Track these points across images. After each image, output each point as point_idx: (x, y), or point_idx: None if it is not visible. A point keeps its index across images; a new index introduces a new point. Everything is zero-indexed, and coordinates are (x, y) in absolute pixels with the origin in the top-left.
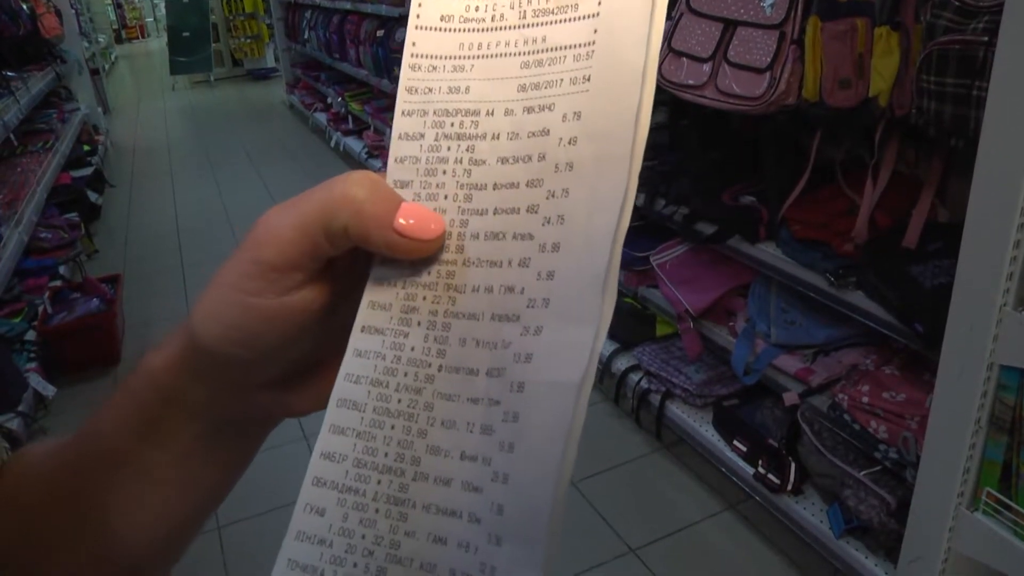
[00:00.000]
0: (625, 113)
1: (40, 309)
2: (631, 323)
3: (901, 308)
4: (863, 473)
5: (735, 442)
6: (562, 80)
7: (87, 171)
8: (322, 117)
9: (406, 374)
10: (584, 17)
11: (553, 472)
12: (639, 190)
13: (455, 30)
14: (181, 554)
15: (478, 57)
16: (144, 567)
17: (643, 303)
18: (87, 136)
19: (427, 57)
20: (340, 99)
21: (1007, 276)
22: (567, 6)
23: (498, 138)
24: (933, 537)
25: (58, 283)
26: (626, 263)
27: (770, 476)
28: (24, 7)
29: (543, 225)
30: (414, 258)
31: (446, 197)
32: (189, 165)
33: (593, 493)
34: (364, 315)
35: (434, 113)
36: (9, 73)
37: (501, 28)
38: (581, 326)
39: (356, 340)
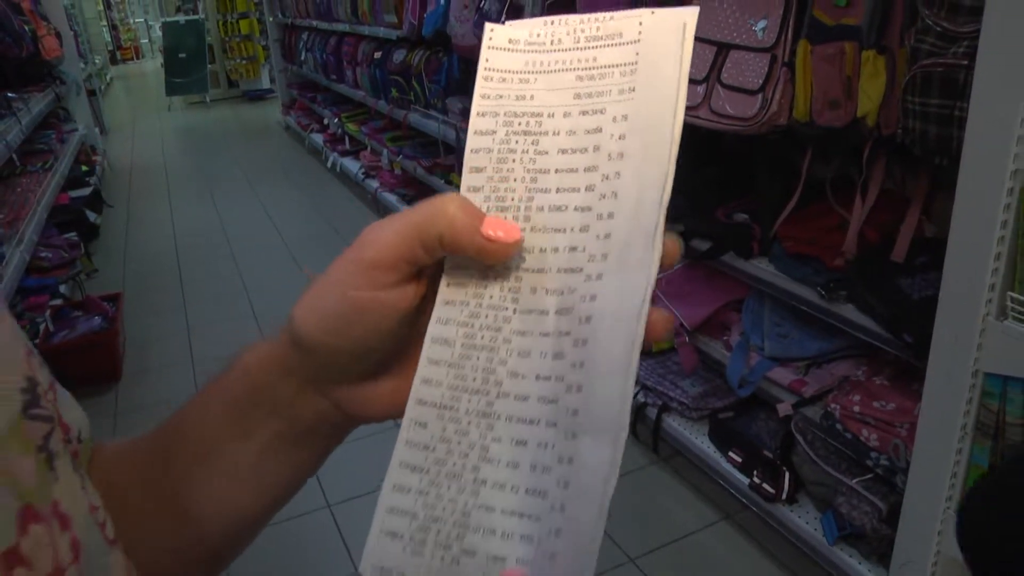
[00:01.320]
0: (666, 114)
1: (42, 327)
2: None
3: (890, 320)
4: (855, 481)
5: (731, 453)
6: (611, 90)
7: (85, 191)
8: (318, 138)
9: (487, 316)
10: (628, 43)
11: (621, 373)
12: None
13: (521, 51)
14: (246, 547)
15: (540, 72)
16: (218, 557)
17: None
18: (85, 156)
19: (498, 71)
20: (336, 120)
21: (989, 287)
22: (614, 34)
23: (559, 134)
24: (923, 541)
25: (59, 302)
26: None
27: (765, 486)
28: (27, 28)
29: (600, 199)
30: (497, 262)
31: (515, 180)
32: (186, 185)
33: None
34: (449, 273)
35: (504, 115)
36: (11, 94)
37: (559, 50)
38: (637, 272)
39: (443, 293)
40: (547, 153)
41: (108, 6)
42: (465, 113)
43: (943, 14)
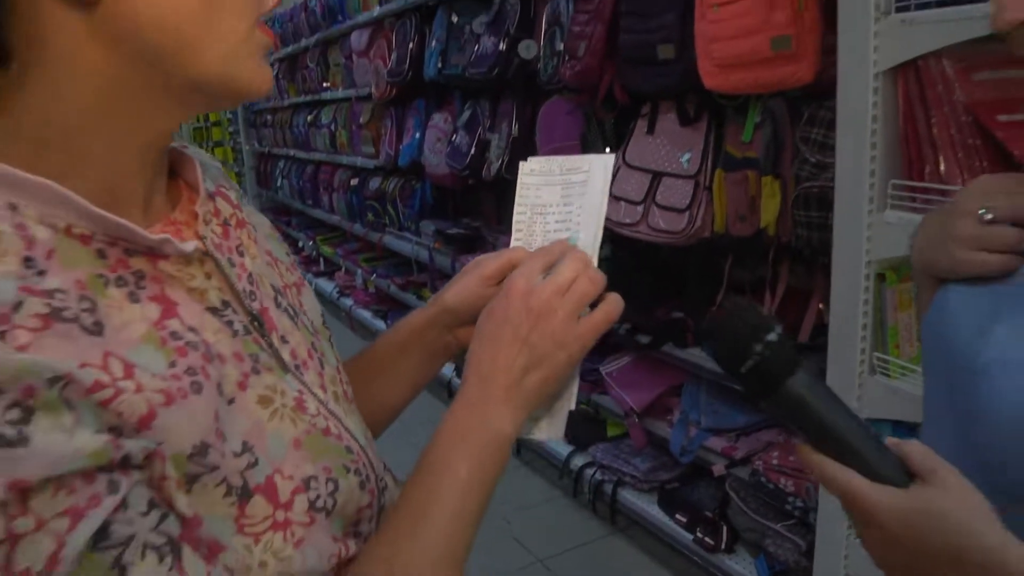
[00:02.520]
0: (601, 204)
1: None
2: (586, 426)
3: None
4: (780, 524)
5: (677, 516)
6: (575, 193)
7: None
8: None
9: (536, 223)
10: (583, 171)
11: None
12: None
13: (536, 173)
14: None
15: (545, 185)
16: (387, 418)
17: (595, 408)
18: None
19: (527, 187)
20: (312, 242)
21: (860, 350)
22: (577, 168)
23: (554, 213)
24: (833, 564)
25: None
26: (581, 375)
27: (706, 539)
28: None
29: (572, 234)
30: None
31: (536, 233)
32: None
33: (559, 569)
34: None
35: (530, 205)
36: None
37: (553, 174)
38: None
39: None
40: (549, 222)
41: None
42: (437, 235)
43: (816, 150)
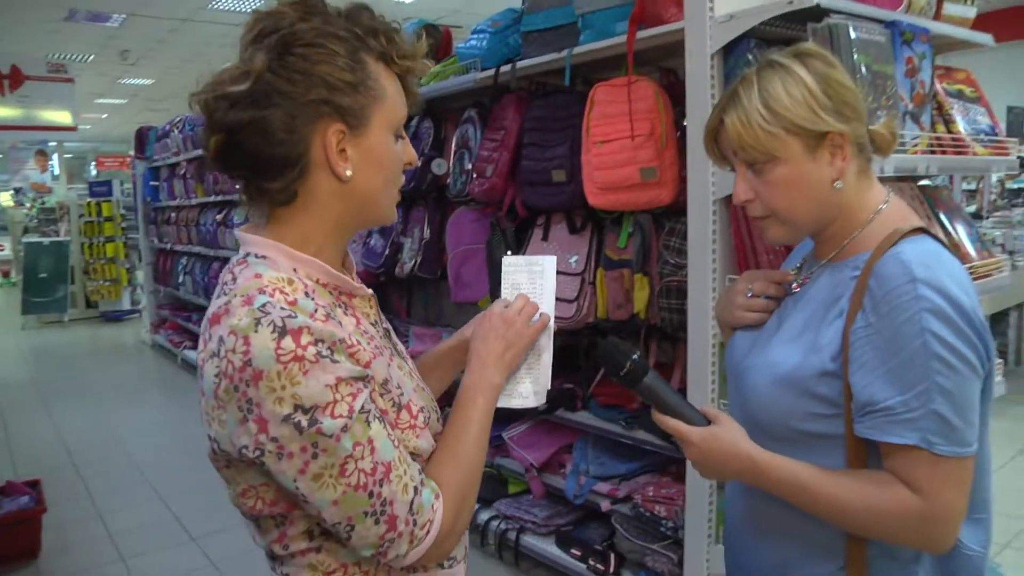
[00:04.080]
0: (552, 287)
1: None
2: (490, 485)
3: (664, 433)
4: (656, 544)
5: (572, 551)
6: (537, 280)
7: None
8: (193, 354)
9: (514, 292)
10: (541, 264)
11: (549, 307)
12: None
13: (512, 265)
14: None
15: (518, 272)
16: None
17: (499, 469)
18: None
19: (508, 272)
20: None
21: (711, 399)
22: (534, 262)
23: (524, 289)
24: (697, 567)
25: None
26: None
27: (598, 566)
28: None
29: (535, 299)
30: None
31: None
32: (63, 398)
33: None
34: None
35: (511, 284)
36: None
37: (521, 265)
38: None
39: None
40: (518, 293)
41: None
42: None
43: (675, 254)
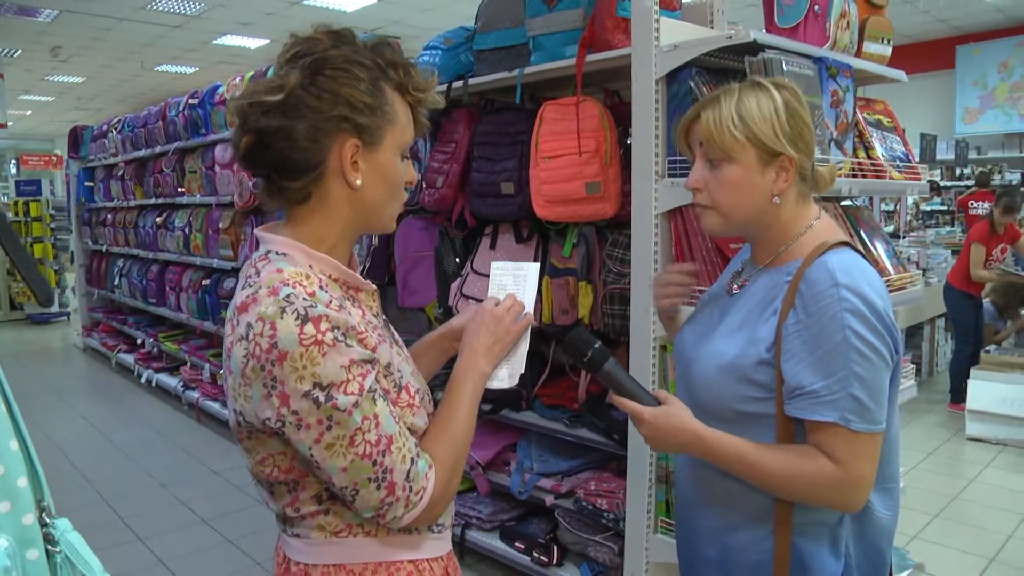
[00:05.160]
0: (534, 286)
1: None
2: None
3: (606, 431)
4: (598, 536)
5: (516, 544)
6: (521, 281)
7: None
8: (128, 357)
9: (500, 293)
10: (523, 271)
11: (530, 305)
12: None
13: (501, 270)
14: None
15: (505, 276)
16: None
17: None
18: None
19: (495, 276)
20: (152, 340)
21: None
22: (518, 269)
23: (509, 289)
24: (637, 556)
25: None
26: None
27: (541, 558)
28: None
29: (520, 298)
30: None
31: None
32: None
33: None
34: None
35: (497, 286)
36: None
37: (509, 271)
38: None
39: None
40: (505, 293)
41: None
42: None
43: (618, 263)
